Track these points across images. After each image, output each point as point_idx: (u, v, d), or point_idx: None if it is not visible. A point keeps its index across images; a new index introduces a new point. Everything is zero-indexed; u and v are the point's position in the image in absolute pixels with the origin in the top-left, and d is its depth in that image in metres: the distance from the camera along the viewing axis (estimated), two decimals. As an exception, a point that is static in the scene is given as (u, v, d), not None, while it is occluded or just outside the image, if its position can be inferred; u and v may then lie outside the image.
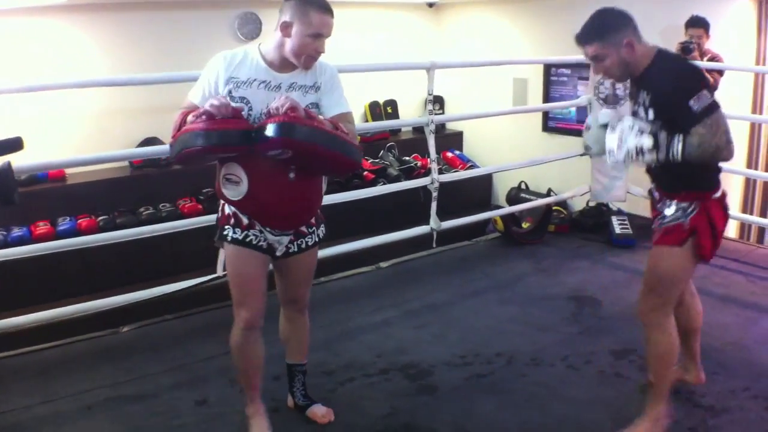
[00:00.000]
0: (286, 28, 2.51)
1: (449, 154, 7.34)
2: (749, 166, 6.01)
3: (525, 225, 5.75)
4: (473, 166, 7.06)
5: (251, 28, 6.42)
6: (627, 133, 2.59)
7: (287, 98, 2.43)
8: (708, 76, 5.27)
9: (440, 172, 5.26)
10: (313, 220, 2.80)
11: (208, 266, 4.19)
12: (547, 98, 6.98)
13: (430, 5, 7.78)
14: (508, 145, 7.26)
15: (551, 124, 7.01)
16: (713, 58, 5.37)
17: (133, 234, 4.09)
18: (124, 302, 3.96)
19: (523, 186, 7.01)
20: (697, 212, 2.66)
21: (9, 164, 2.34)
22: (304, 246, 2.78)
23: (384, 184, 5.94)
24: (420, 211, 5.23)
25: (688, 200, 2.67)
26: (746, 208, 6.10)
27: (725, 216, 2.76)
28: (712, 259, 2.78)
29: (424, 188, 5.11)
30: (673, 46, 5.36)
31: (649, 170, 2.82)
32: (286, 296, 2.93)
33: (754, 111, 5.91)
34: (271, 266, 2.82)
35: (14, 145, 2.41)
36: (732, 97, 5.68)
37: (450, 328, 4.07)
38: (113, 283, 4.73)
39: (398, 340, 3.90)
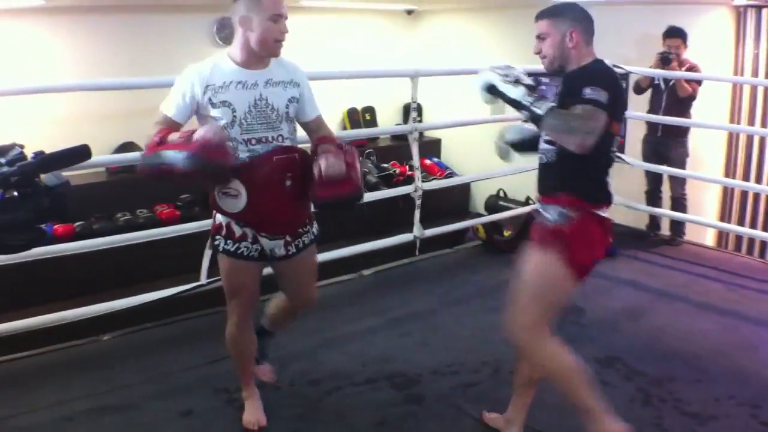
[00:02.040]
0: (245, 23, 2.56)
1: (428, 162, 7.31)
2: (727, 174, 6.09)
3: (506, 233, 5.75)
4: (451, 174, 7.06)
5: (229, 33, 6.38)
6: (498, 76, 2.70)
7: (336, 161, 2.60)
8: (686, 85, 5.33)
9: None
10: (306, 220, 2.88)
11: (189, 272, 4.12)
12: (525, 106, 6.98)
13: (409, 12, 7.79)
14: (485, 152, 7.22)
15: (529, 132, 7.01)
16: (691, 68, 5.43)
17: (113, 242, 4.02)
18: (102, 311, 3.85)
19: (501, 194, 7.02)
20: (578, 220, 2.58)
21: (68, 181, 2.20)
22: (301, 245, 2.85)
23: (366, 191, 5.89)
24: (398, 219, 5.20)
25: (569, 205, 2.59)
26: (724, 216, 6.17)
27: (604, 241, 2.67)
28: (585, 278, 2.66)
29: (406, 196, 5.08)
30: (650, 56, 5.42)
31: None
32: (298, 297, 3.02)
33: (731, 121, 5.99)
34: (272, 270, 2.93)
35: (82, 153, 2.25)
36: (710, 107, 5.75)
37: (434, 336, 4.05)
38: (92, 289, 4.59)
39: (382, 348, 3.86)
